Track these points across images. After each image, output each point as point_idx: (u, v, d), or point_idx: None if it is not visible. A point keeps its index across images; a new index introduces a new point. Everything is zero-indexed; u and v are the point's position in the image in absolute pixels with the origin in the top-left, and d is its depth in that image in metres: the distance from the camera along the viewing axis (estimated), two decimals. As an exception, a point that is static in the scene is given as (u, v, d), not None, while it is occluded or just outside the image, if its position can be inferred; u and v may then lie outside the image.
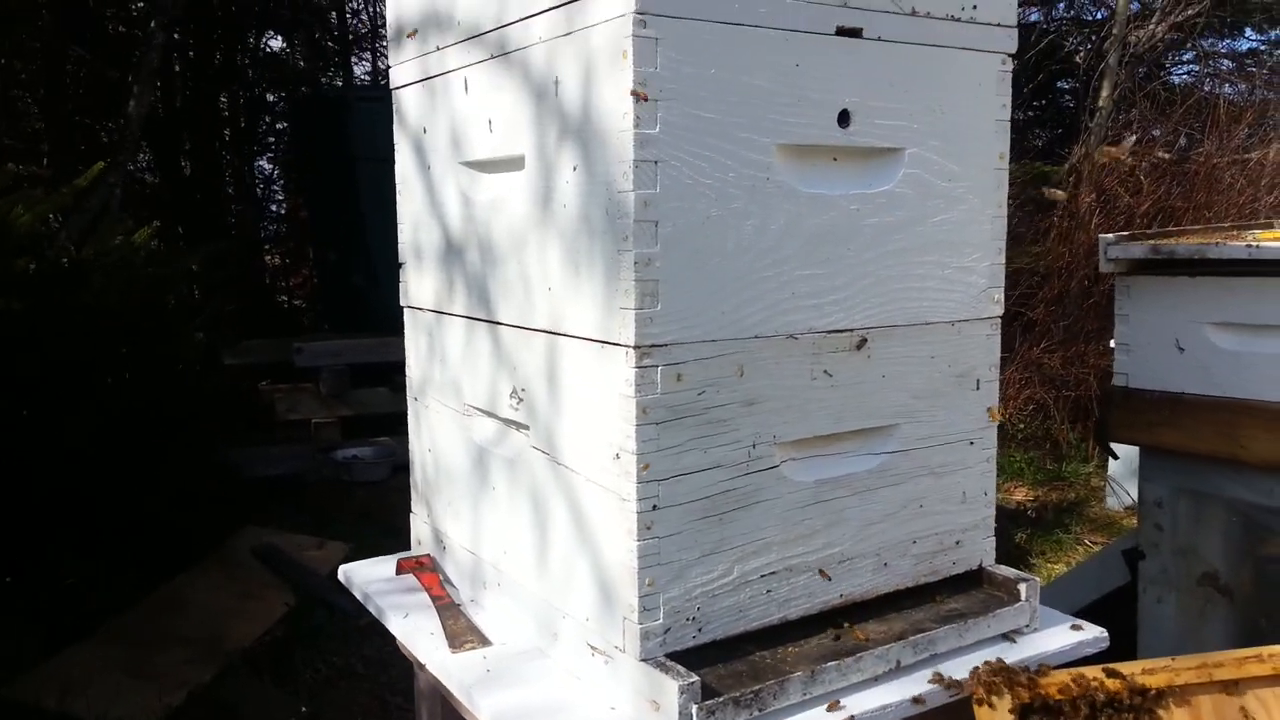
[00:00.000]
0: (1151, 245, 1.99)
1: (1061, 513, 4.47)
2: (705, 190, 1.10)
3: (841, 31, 1.17)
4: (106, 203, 4.54)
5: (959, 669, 1.20)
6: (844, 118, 1.19)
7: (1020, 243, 5.88)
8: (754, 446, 1.17)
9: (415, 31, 1.48)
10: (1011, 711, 1.13)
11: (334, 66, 8.72)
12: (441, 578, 1.53)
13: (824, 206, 1.19)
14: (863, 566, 1.28)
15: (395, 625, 1.44)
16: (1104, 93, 6.75)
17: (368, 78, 8.78)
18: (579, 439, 1.18)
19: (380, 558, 1.66)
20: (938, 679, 1.19)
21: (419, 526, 1.67)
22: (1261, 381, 1.85)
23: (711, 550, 1.15)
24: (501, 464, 1.37)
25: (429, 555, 1.61)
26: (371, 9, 8.67)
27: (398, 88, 1.58)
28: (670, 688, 1.06)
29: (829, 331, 1.21)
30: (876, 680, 1.19)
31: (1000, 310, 1.37)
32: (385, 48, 1.62)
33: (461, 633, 1.36)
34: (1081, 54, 8.00)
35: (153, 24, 5.16)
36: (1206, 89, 7.34)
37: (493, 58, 1.30)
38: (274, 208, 8.70)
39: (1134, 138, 5.87)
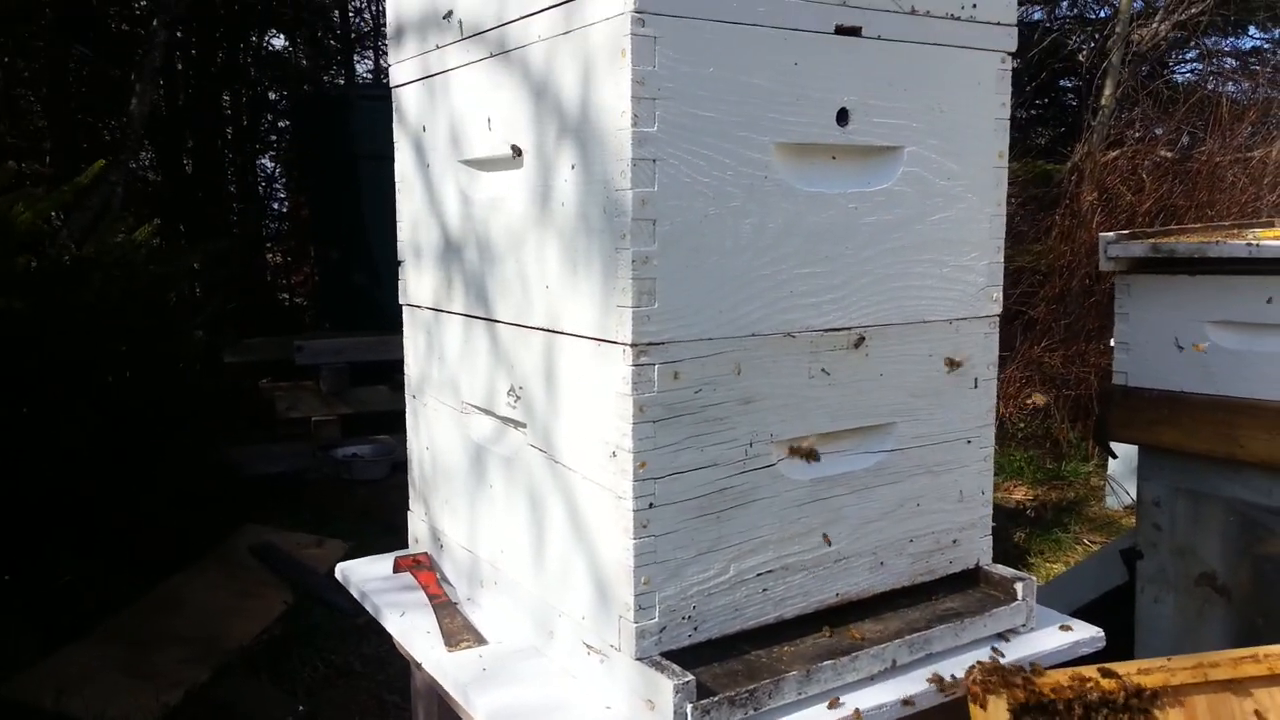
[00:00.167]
0: (1151, 244, 1.98)
1: (1061, 512, 4.46)
2: (703, 189, 1.10)
3: (841, 30, 1.17)
4: (108, 201, 4.55)
5: (955, 668, 1.20)
6: (843, 116, 1.19)
7: (1022, 241, 5.88)
8: (751, 445, 1.17)
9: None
10: (1008, 711, 1.12)
11: (336, 65, 8.72)
12: (438, 576, 1.53)
13: (822, 205, 1.19)
14: (859, 565, 1.28)
15: (392, 624, 1.44)
16: (1106, 91, 6.75)
17: (370, 76, 8.78)
18: (576, 437, 1.18)
19: (378, 556, 1.66)
20: (936, 680, 1.18)
21: (416, 524, 1.67)
22: (1261, 381, 1.85)
23: (708, 549, 1.15)
24: (499, 462, 1.37)
25: (426, 554, 1.61)
26: (374, 7, 8.67)
27: (397, 86, 1.58)
28: (665, 687, 1.06)
29: (827, 330, 1.21)
30: (872, 680, 1.19)
31: (999, 309, 1.37)
32: (387, 46, 1.61)
33: (458, 631, 1.36)
34: (1084, 52, 7.99)
35: (155, 22, 5.16)
36: (1209, 87, 7.33)
37: (492, 56, 1.30)
38: (276, 206, 8.70)
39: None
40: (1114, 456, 3.01)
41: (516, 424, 1.33)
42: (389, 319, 1.67)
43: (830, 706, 1.13)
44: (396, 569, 1.58)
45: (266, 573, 3.41)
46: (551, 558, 1.25)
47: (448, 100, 1.44)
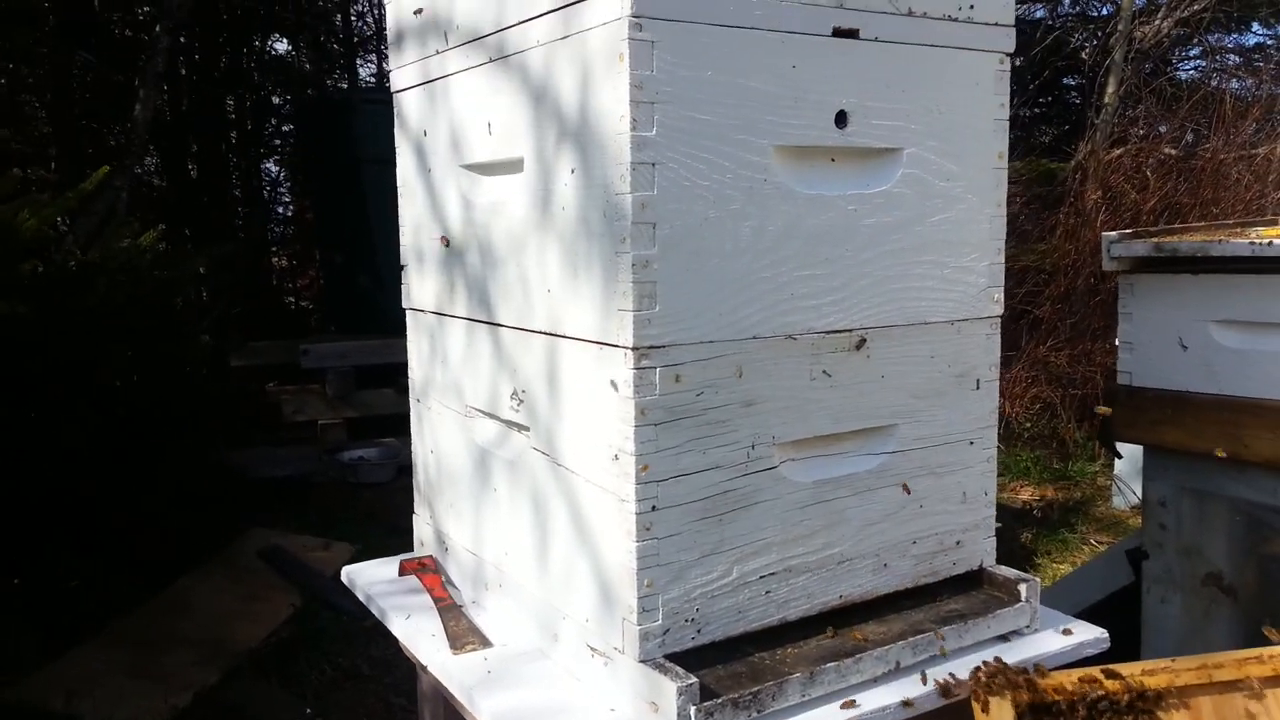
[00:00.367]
0: (1154, 243, 1.98)
1: (1067, 512, 4.45)
2: (703, 192, 1.10)
3: (838, 33, 1.17)
4: (113, 206, 4.57)
5: (959, 670, 1.20)
6: (841, 118, 1.19)
7: (1026, 240, 5.87)
8: (753, 447, 1.17)
9: (421, 9, 1.45)
10: (1012, 713, 1.12)
11: (339, 69, 8.75)
12: (444, 579, 1.54)
13: (822, 207, 1.19)
14: (862, 567, 1.28)
15: (397, 627, 1.45)
16: (1110, 89, 6.73)
17: (373, 80, 8.80)
18: (578, 440, 1.19)
19: (383, 559, 1.67)
20: (939, 684, 1.19)
21: (422, 527, 1.68)
22: (1265, 380, 1.85)
23: (710, 551, 1.15)
24: (502, 465, 1.38)
25: (431, 556, 1.62)
26: (376, 12, 8.69)
27: (398, 91, 1.59)
28: (669, 689, 1.06)
29: (828, 332, 1.21)
30: (876, 681, 1.19)
31: (1000, 310, 1.37)
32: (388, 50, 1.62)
33: (463, 634, 1.36)
34: (1087, 50, 7.98)
35: (158, 28, 5.18)
36: (1213, 84, 7.31)
37: (492, 61, 1.30)
38: (280, 210, 8.74)
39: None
40: (1119, 456, 3.00)
41: (520, 427, 1.34)
42: (394, 322, 1.68)
43: (844, 707, 1.13)
44: (402, 572, 1.58)
45: (274, 575, 3.42)
46: (555, 560, 1.26)
47: (448, 105, 1.44)
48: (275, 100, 8.24)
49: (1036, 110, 8.96)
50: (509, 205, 1.30)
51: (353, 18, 8.70)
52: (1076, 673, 1.17)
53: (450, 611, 1.43)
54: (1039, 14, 8.51)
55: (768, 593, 1.20)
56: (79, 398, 3.10)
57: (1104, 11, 8.50)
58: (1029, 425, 5.40)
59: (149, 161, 7.22)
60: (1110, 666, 1.17)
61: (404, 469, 4.49)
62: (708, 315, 1.12)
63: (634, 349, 1.08)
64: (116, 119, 6.65)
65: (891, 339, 1.27)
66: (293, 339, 5.78)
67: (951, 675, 1.19)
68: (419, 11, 1.39)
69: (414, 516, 1.70)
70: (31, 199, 3.02)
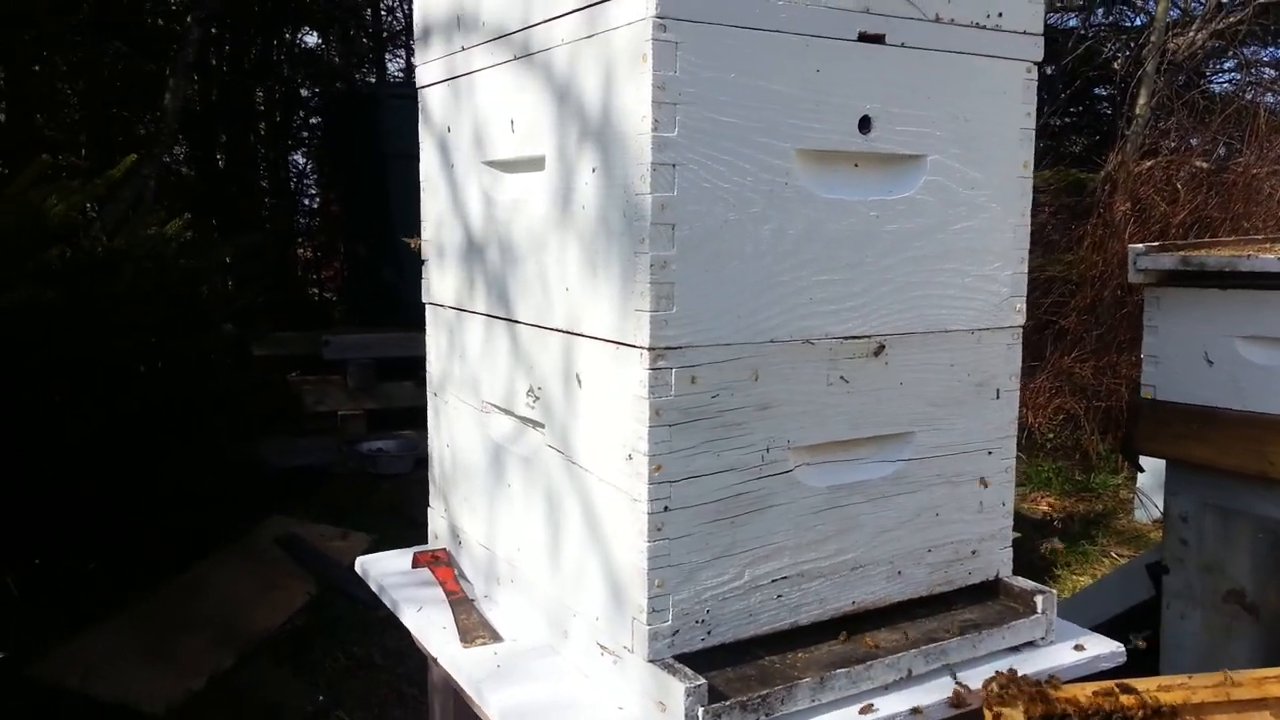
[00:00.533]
0: (1181, 256, 1.96)
1: (1089, 524, 4.41)
2: (723, 194, 1.10)
3: (864, 38, 1.16)
4: (141, 194, 4.62)
5: (972, 680, 1.20)
6: (865, 124, 1.19)
7: (1054, 250, 5.82)
8: (768, 451, 1.16)
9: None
10: (1022, 724, 1.11)
11: (368, 63, 8.80)
12: (456, 572, 1.55)
13: (843, 212, 1.19)
14: (876, 574, 1.27)
15: (409, 618, 1.46)
16: (1141, 100, 6.65)
17: (401, 75, 8.85)
18: (593, 439, 1.19)
19: (398, 550, 1.67)
20: (951, 691, 1.18)
21: (436, 521, 1.69)
22: (1292, 397, 1.82)
23: (722, 553, 1.15)
24: (517, 461, 1.38)
25: (445, 550, 1.62)
26: (406, 6, 8.74)
27: (423, 87, 1.60)
28: (677, 690, 1.06)
29: (846, 338, 1.21)
30: (887, 689, 1.18)
31: (1022, 320, 1.36)
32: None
33: (473, 628, 1.37)
34: (1119, 60, 7.89)
35: (190, 18, 5.23)
36: (1247, 98, 7.20)
37: (516, 59, 1.30)
38: (306, 202, 8.80)
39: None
40: (1141, 470, 2.97)
41: (535, 424, 1.34)
42: (416, 316, 1.69)
43: (863, 712, 1.13)
44: (415, 564, 1.59)
45: (291, 563, 3.44)
46: (567, 558, 1.26)
47: (472, 102, 1.45)
48: (304, 93, 8.30)
49: (1067, 119, 8.87)
50: (530, 203, 1.30)
51: (382, 12, 8.76)
52: (1091, 686, 1.15)
53: (462, 605, 1.44)
54: (1071, 23, 8.43)
55: (779, 597, 1.20)
56: (110, 386, 3.14)
57: (1137, 22, 8.41)
58: (1052, 436, 5.35)
59: (177, 151, 7.29)
60: (1126, 680, 1.16)
61: (422, 461, 4.49)
62: (725, 317, 1.12)
63: (650, 349, 1.08)
64: (147, 108, 6.73)
65: (911, 346, 1.26)
66: (316, 330, 5.83)
67: (964, 685, 1.18)
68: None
69: (429, 509, 1.71)
70: (61, 185, 3.06)
